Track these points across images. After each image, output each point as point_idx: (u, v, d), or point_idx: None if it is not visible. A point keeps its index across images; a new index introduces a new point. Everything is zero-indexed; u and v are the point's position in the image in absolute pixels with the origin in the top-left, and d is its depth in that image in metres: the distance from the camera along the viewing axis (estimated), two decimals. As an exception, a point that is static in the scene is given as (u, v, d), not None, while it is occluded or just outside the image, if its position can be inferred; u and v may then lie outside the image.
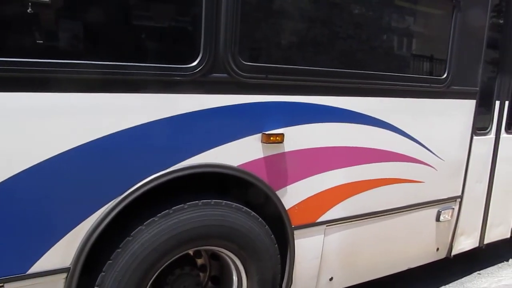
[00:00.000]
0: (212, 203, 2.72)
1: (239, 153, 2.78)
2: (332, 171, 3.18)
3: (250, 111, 2.78)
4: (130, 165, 2.45)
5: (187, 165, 2.60)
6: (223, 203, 2.76)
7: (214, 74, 2.62)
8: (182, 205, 2.62)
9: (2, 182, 2.13)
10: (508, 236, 4.94)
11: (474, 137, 4.15)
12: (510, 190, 4.72)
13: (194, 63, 2.54)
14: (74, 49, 2.34)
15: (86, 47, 2.39)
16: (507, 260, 5.27)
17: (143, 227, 2.52)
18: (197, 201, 2.66)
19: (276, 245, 3.02)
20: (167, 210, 2.58)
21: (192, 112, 2.59)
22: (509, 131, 4.57)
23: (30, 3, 2.17)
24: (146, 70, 2.43)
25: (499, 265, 5.16)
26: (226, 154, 2.73)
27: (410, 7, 3.76)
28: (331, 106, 3.09)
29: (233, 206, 2.79)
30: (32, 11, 2.19)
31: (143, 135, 2.46)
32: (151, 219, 2.54)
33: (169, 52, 2.58)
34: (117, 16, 2.43)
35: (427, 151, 3.76)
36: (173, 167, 2.56)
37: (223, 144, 2.72)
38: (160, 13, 2.57)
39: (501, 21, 4.39)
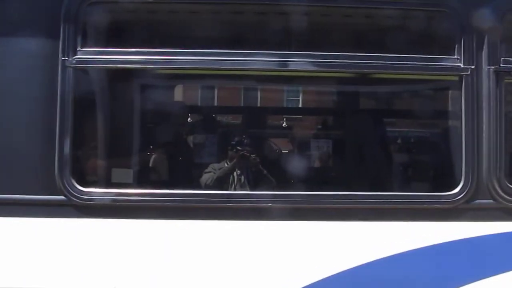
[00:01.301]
0: None
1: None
2: None
3: (523, 240, 2.51)
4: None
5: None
6: None
7: (478, 201, 2.48)
8: None
9: None
10: None
11: None
12: None
13: (456, 190, 2.47)
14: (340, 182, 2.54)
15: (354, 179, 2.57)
16: None
17: None
18: None
19: None
20: None
21: (455, 240, 2.47)
22: None
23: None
24: (405, 199, 2.48)
25: None
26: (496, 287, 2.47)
27: None
28: None
29: None
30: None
31: (403, 264, 2.44)
32: None
33: (429, 181, 2.58)
34: (381, 148, 2.58)
35: None
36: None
37: (491, 276, 2.48)
38: (417, 143, 2.64)
39: None
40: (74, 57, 2.36)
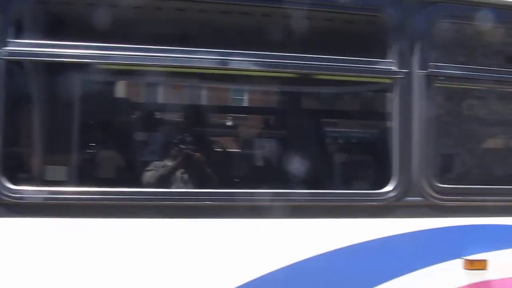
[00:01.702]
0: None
1: (437, 280, 2.62)
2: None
3: (448, 235, 2.66)
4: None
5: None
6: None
7: (409, 198, 2.60)
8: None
9: None
10: None
11: None
12: None
13: (388, 188, 2.58)
14: (274, 180, 2.59)
15: (291, 178, 2.62)
16: None
17: None
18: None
19: None
20: None
21: (387, 236, 2.57)
22: None
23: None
24: (340, 196, 2.55)
25: None
26: (423, 280, 2.60)
27: None
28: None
29: None
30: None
31: (337, 259, 2.51)
32: None
33: (363, 179, 2.67)
34: (318, 147, 2.65)
35: None
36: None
37: (418, 269, 2.61)
38: (353, 142, 2.72)
39: None
40: (6, 48, 2.26)
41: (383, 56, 2.64)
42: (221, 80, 2.90)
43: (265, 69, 2.49)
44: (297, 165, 2.68)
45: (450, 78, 2.78)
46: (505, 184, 2.84)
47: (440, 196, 2.64)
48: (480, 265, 2.65)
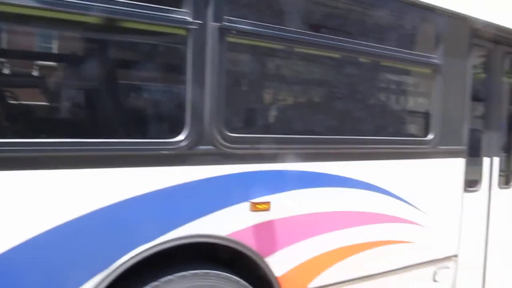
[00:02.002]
0: (201, 273, 2.73)
1: (227, 222, 2.82)
2: (322, 237, 3.20)
3: (237, 181, 2.85)
4: (117, 238, 2.49)
5: (176, 236, 2.64)
6: (212, 273, 2.77)
7: (200, 147, 2.71)
8: (171, 276, 2.64)
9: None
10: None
11: (465, 194, 4.19)
12: (508, 245, 4.70)
13: (180, 137, 2.64)
14: (69, 128, 2.45)
15: (80, 126, 2.50)
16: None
17: (131, 301, 2.52)
18: (185, 272, 2.68)
19: (268, 314, 3.00)
20: (155, 283, 2.59)
21: (180, 184, 2.65)
22: (502, 186, 4.62)
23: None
24: (134, 145, 2.53)
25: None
26: (214, 223, 2.77)
27: (394, 73, 3.91)
28: (317, 172, 3.16)
29: (222, 276, 2.80)
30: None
31: (131, 208, 2.51)
32: (140, 292, 2.55)
33: (156, 128, 2.69)
34: (111, 96, 2.56)
35: (418, 211, 3.79)
36: (161, 238, 2.59)
37: (210, 214, 2.77)
38: (147, 92, 2.71)
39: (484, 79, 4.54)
40: None
41: (178, 5, 2.63)
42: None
43: (45, 7, 2.25)
44: (92, 115, 2.56)
45: (244, 33, 2.91)
46: (268, 133, 3.11)
47: (230, 145, 2.80)
48: (264, 206, 2.92)
